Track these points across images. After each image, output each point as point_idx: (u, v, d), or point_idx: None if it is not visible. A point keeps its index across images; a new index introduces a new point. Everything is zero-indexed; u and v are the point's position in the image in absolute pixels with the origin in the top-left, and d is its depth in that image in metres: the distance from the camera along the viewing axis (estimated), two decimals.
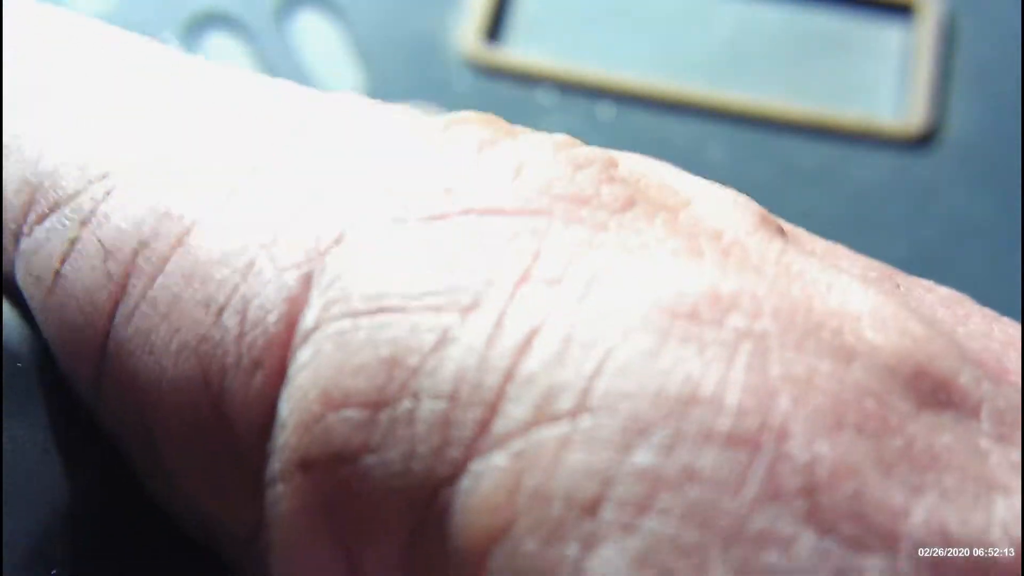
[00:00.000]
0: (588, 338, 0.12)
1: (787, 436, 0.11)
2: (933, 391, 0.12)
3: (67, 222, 0.14)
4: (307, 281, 0.13)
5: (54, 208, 0.14)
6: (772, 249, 0.13)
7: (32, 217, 0.14)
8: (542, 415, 0.11)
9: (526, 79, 0.36)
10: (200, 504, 0.14)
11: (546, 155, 0.14)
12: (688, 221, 0.14)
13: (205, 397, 0.13)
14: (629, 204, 0.13)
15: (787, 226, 0.15)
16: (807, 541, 0.10)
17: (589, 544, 0.11)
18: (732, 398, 0.11)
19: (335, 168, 0.14)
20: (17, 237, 0.14)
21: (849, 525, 0.11)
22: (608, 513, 0.11)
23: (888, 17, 0.38)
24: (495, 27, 0.37)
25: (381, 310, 0.12)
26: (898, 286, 0.14)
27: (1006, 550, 0.11)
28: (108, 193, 0.14)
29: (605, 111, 0.35)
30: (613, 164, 0.14)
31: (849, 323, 0.12)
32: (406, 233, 0.13)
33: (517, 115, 0.36)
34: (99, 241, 0.14)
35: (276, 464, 0.13)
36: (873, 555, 0.11)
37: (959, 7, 0.38)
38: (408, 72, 0.36)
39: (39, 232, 0.14)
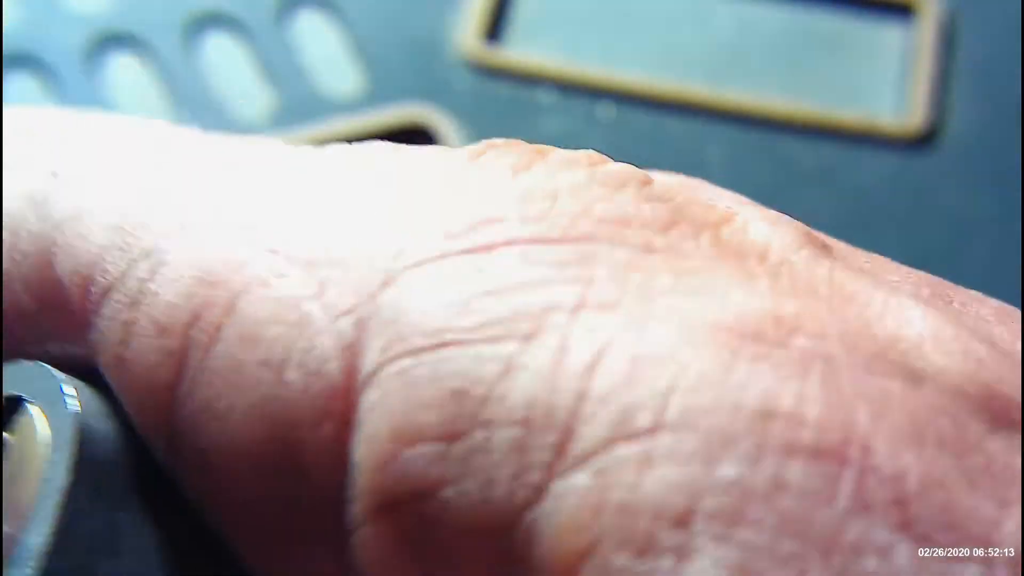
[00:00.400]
0: (656, 356, 0.12)
1: (872, 450, 0.11)
2: (1005, 412, 0.12)
3: (117, 309, 0.14)
4: (362, 325, 0.13)
5: (105, 295, 0.14)
6: (821, 268, 0.13)
7: (90, 307, 0.14)
8: (620, 433, 0.11)
9: (526, 79, 0.36)
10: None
11: (581, 176, 0.14)
12: (732, 239, 0.14)
13: (278, 455, 0.13)
14: (671, 223, 0.13)
15: (830, 241, 0.15)
16: (904, 550, 0.11)
17: (683, 556, 0.11)
18: (812, 412, 0.11)
19: (373, 209, 0.14)
20: (84, 330, 0.15)
21: (944, 535, 0.11)
22: (700, 525, 0.11)
23: (888, 17, 0.38)
24: (495, 27, 0.37)
25: (442, 345, 0.12)
26: (951, 301, 0.14)
27: None
28: (152, 270, 0.14)
29: (605, 111, 0.35)
30: (648, 182, 0.14)
31: (913, 346, 0.12)
32: (454, 267, 0.13)
33: (517, 115, 0.36)
34: (152, 319, 0.14)
35: (356, 509, 0.13)
36: (970, 564, 0.11)
37: (959, 7, 0.38)
38: (408, 72, 0.36)
39: (99, 322, 0.14)
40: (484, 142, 0.15)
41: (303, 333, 0.13)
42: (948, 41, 0.37)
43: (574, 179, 0.14)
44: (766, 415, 0.11)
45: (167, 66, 0.35)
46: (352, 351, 0.13)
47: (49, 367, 0.15)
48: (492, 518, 0.12)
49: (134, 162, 0.15)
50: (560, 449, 0.12)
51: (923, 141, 0.35)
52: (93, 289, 0.14)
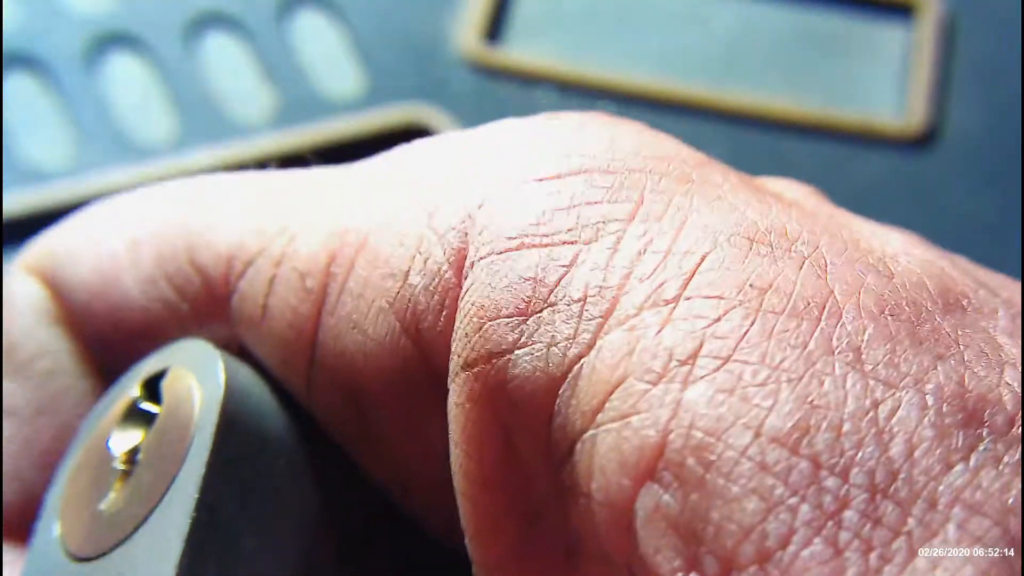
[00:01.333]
0: (686, 249, 0.15)
1: (840, 313, 0.14)
2: (957, 300, 0.15)
3: (261, 270, 0.17)
4: (465, 236, 0.16)
5: (248, 265, 0.18)
6: (826, 207, 0.17)
7: (232, 279, 0.18)
8: (651, 302, 0.15)
9: (526, 79, 0.36)
10: (409, 460, 0.17)
11: (632, 127, 0.18)
12: (755, 183, 0.17)
13: (406, 343, 0.16)
14: (704, 162, 0.17)
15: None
16: (853, 378, 0.14)
17: (687, 382, 0.14)
18: (798, 289, 0.15)
19: (465, 155, 0.18)
20: (225, 304, 0.18)
21: (885, 371, 0.14)
22: (702, 361, 0.14)
23: (888, 17, 0.38)
24: (495, 27, 0.37)
25: (522, 246, 0.16)
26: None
27: (1008, 403, 0.14)
28: (290, 239, 0.17)
29: (605, 111, 0.35)
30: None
31: (889, 256, 0.16)
32: (534, 190, 0.16)
33: (517, 115, 0.35)
34: (294, 268, 0.17)
35: (451, 366, 0.16)
36: (903, 391, 0.14)
37: (959, 7, 0.38)
38: (408, 72, 0.36)
39: (241, 285, 0.18)
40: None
41: (421, 249, 0.16)
42: (948, 41, 0.37)
43: (627, 128, 0.18)
44: (761, 289, 0.14)
45: (167, 66, 0.35)
46: (459, 255, 0.16)
47: (205, 341, 0.17)
48: (550, 371, 0.15)
49: (250, 183, 0.19)
50: (607, 315, 0.15)
51: (923, 141, 0.35)
52: (235, 265, 0.18)
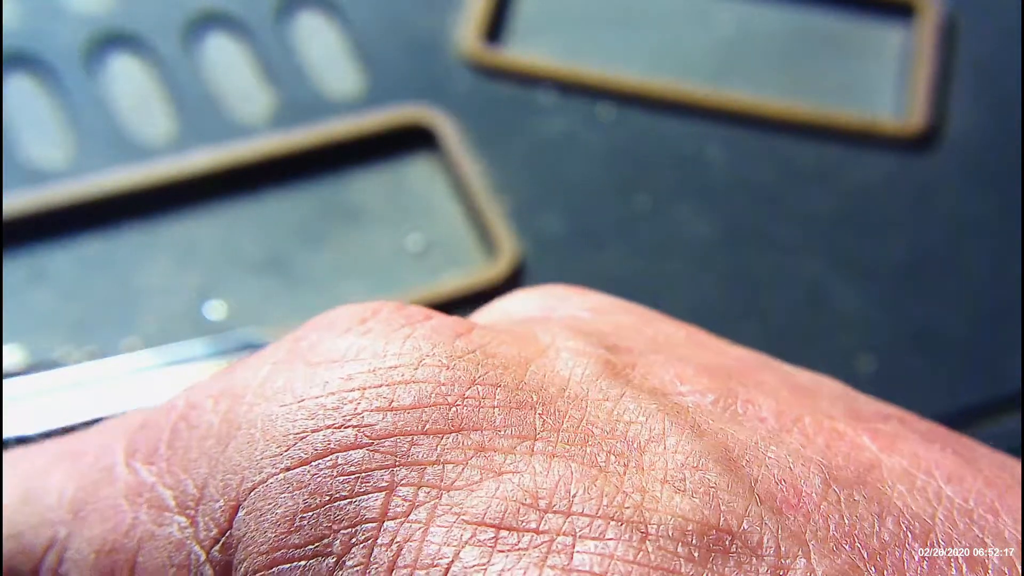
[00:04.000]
0: (431, 561, 0.15)
1: None
2: (718, 540, 0.15)
3: None
4: (228, 548, 0.16)
5: None
6: (608, 402, 0.17)
7: None
8: None
9: (526, 79, 0.36)
10: None
11: (368, 365, 0.17)
12: (536, 374, 0.17)
13: None
14: (463, 387, 0.17)
15: (643, 339, 0.19)
16: None
17: None
18: None
19: (213, 444, 0.17)
20: None
21: None
22: None
23: (889, 17, 0.38)
24: (495, 27, 0.37)
25: (274, 563, 0.15)
26: (735, 401, 0.17)
27: None
28: (59, 555, 0.18)
29: (605, 111, 0.35)
30: (464, 332, 0.17)
31: (651, 491, 0.15)
32: (281, 487, 0.16)
33: (517, 115, 0.36)
34: None
35: None
36: None
37: (959, 7, 0.38)
38: (408, 72, 0.36)
39: None
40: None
41: (191, 567, 0.16)
42: (948, 41, 0.37)
43: (379, 364, 0.17)
44: None
45: (167, 66, 0.35)
46: (227, 572, 0.16)
47: None
48: None
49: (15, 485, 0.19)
50: None
51: (923, 141, 0.35)
52: None
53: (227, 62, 0.36)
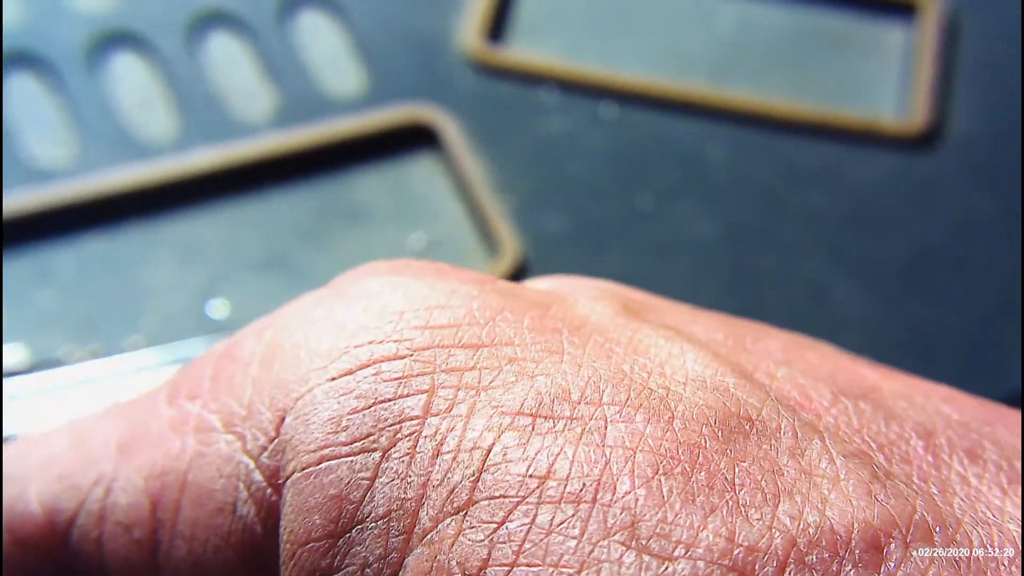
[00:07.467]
0: (474, 446, 0.16)
1: (616, 488, 0.15)
2: (740, 426, 0.16)
3: (85, 530, 0.18)
4: (277, 454, 0.17)
5: (70, 525, 0.18)
6: (627, 330, 0.18)
7: (59, 539, 0.18)
8: (446, 511, 0.15)
9: (528, 78, 0.36)
10: None
11: (417, 288, 0.18)
12: (557, 314, 0.18)
13: (251, 571, 0.17)
14: (495, 312, 0.18)
15: (655, 300, 0.20)
16: (629, 557, 0.15)
17: None
18: (576, 470, 0.15)
19: (265, 357, 0.18)
20: (66, 555, 0.18)
21: (657, 543, 0.15)
22: (490, 571, 0.15)
23: (891, 16, 0.38)
24: (497, 26, 0.37)
25: (323, 459, 0.16)
26: (744, 340, 0.19)
27: (780, 546, 0.15)
28: (107, 490, 0.18)
29: (607, 110, 0.35)
30: (491, 280, 0.18)
31: (674, 389, 0.17)
32: (327, 393, 0.17)
33: (519, 114, 0.36)
34: (118, 523, 0.18)
35: None
36: (676, 562, 0.15)
37: (962, 6, 0.38)
38: (410, 71, 0.36)
39: (72, 546, 0.18)
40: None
41: (241, 476, 0.17)
42: (951, 40, 0.37)
43: (415, 292, 0.18)
44: (540, 479, 0.15)
45: (169, 65, 0.35)
46: (276, 475, 0.17)
47: None
48: None
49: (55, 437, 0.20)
50: (409, 530, 0.16)
51: (925, 141, 0.35)
52: (57, 527, 0.18)
53: (230, 61, 0.36)
